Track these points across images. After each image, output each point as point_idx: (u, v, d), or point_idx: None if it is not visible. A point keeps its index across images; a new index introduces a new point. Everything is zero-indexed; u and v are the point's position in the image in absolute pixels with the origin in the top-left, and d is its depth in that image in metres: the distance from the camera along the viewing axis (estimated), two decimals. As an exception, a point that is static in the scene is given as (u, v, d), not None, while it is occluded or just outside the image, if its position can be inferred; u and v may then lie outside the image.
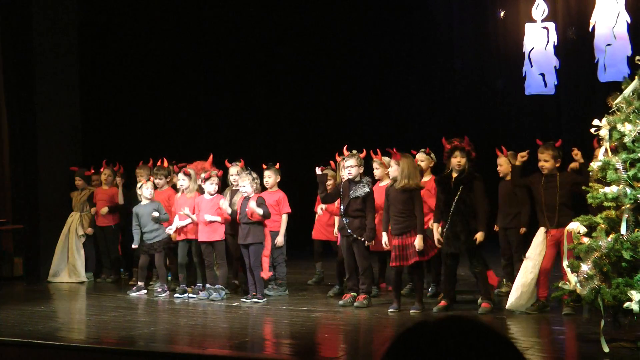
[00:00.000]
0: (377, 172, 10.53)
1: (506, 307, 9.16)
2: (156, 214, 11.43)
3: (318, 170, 10.35)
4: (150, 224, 11.48)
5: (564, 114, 14.70)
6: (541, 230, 9.19)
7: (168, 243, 11.52)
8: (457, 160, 9.35)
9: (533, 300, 9.16)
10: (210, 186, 10.90)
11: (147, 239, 11.52)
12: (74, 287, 12.62)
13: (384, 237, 9.63)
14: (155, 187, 11.78)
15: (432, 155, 10.73)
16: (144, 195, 11.54)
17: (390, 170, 9.96)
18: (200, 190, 11.22)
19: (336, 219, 10.84)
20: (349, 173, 9.96)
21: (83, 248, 13.04)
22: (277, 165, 11.35)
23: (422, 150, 10.68)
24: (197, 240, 11.06)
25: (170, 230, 11.29)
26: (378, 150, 10.64)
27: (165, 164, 12.07)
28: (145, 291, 11.56)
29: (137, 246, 11.61)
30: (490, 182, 9.97)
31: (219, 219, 10.84)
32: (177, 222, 11.16)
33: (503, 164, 10.47)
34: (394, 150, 9.82)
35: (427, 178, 10.38)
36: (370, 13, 16.43)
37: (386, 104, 16.63)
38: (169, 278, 11.89)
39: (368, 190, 9.91)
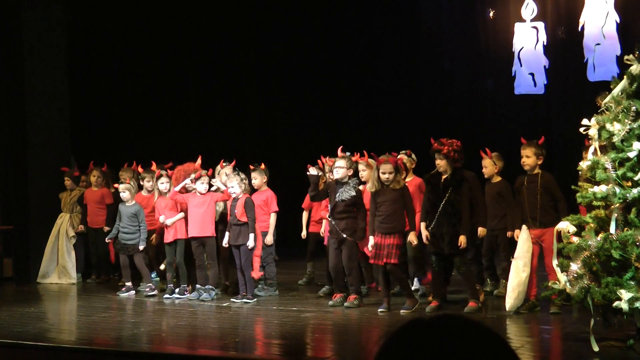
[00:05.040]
0: (364, 174, 10.53)
1: (507, 309, 9.12)
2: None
3: (312, 170, 10.34)
4: (129, 225, 11.49)
5: (553, 113, 14.72)
6: (524, 228, 9.20)
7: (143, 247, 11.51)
8: (437, 163, 9.42)
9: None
10: (201, 186, 10.90)
11: (122, 238, 11.55)
12: (64, 288, 12.58)
13: (371, 241, 9.64)
14: (140, 189, 11.89)
15: (413, 156, 10.78)
16: (122, 196, 11.59)
17: (364, 174, 10.18)
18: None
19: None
20: (337, 173, 9.97)
21: (74, 249, 13.00)
22: (263, 166, 11.35)
23: (403, 151, 10.70)
24: (182, 240, 11.08)
25: (166, 221, 11.18)
26: (365, 152, 10.65)
27: (154, 167, 12.03)
28: (134, 292, 11.55)
29: (109, 240, 11.76)
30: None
31: (180, 215, 10.91)
32: (168, 221, 11.13)
33: (488, 166, 10.47)
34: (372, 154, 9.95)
35: (410, 179, 10.44)
36: (360, 13, 16.42)
37: (375, 104, 16.62)
38: (157, 278, 11.94)
39: (354, 193, 9.92)
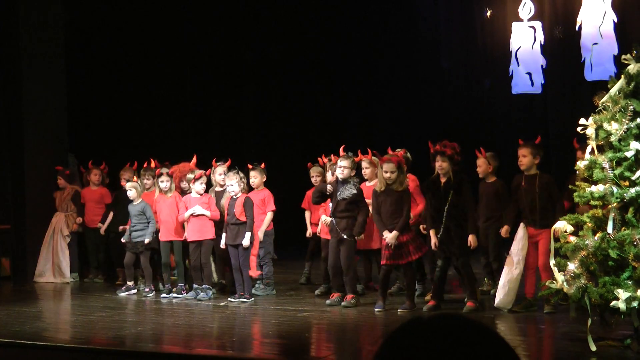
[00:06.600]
0: (367, 172, 10.55)
1: (495, 305, 9.19)
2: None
3: (328, 187, 10.23)
4: (137, 222, 11.47)
5: (550, 113, 14.73)
6: (522, 226, 9.21)
7: (152, 244, 11.46)
8: (439, 165, 9.40)
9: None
10: (200, 186, 10.90)
11: (133, 237, 11.51)
12: (62, 287, 12.58)
13: (386, 235, 9.53)
14: (142, 187, 11.84)
15: (409, 154, 10.77)
16: (128, 194, 11.56)
17: (367, 171, 10.23)
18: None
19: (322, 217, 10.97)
20: (341, 173, 9.97)
21: (68, 248, 12.98)
22: (262, 165, 11.36)
23: (399, 150, 10.69)
24: (178, 241, 11.06)
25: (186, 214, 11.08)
26: (369, 150, 10.65)
27: (153, 164, 12.03)
28: (134, 291, 11.54)
29: (124, 241, 11.58)
30: (471, 183, 9.99)
31: (208, 213, 10.83)
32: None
33: (482, 165, 10.49)
34: (375, 152, 9.91)
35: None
36: (358, 13, 16.43)
37: (373, 103, 16.64)
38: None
39: (355, 191, 9.93)
